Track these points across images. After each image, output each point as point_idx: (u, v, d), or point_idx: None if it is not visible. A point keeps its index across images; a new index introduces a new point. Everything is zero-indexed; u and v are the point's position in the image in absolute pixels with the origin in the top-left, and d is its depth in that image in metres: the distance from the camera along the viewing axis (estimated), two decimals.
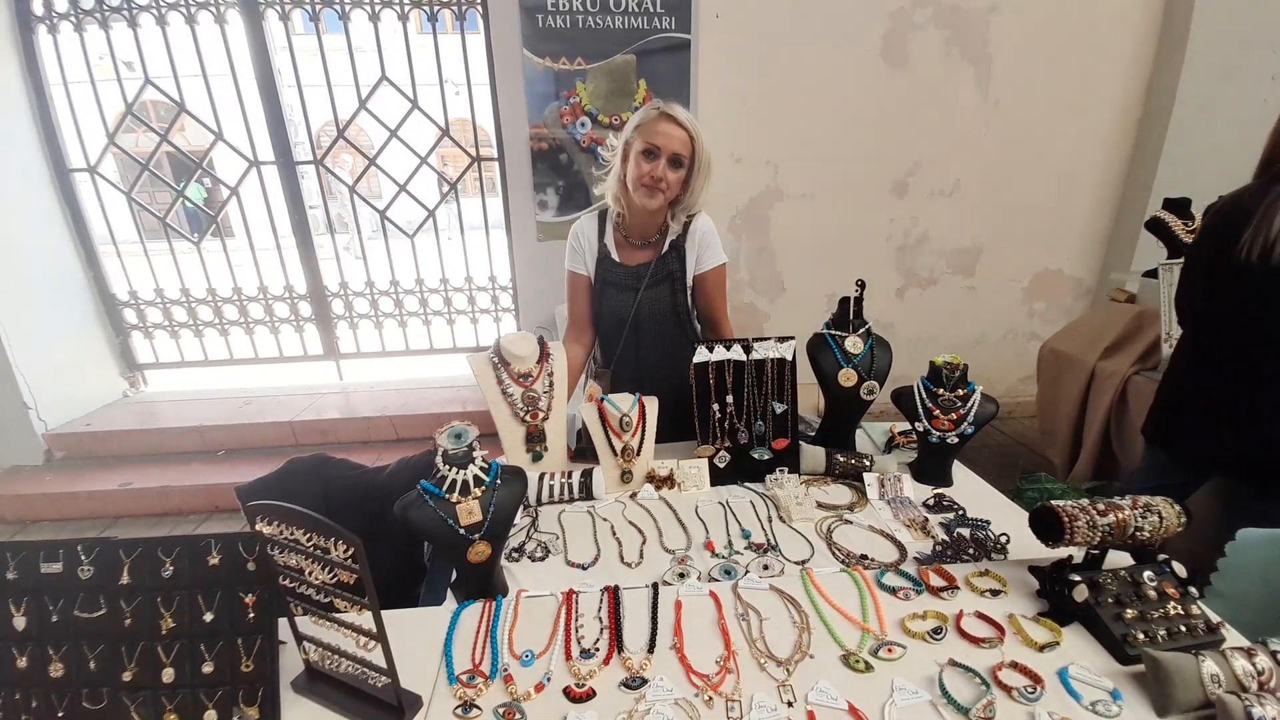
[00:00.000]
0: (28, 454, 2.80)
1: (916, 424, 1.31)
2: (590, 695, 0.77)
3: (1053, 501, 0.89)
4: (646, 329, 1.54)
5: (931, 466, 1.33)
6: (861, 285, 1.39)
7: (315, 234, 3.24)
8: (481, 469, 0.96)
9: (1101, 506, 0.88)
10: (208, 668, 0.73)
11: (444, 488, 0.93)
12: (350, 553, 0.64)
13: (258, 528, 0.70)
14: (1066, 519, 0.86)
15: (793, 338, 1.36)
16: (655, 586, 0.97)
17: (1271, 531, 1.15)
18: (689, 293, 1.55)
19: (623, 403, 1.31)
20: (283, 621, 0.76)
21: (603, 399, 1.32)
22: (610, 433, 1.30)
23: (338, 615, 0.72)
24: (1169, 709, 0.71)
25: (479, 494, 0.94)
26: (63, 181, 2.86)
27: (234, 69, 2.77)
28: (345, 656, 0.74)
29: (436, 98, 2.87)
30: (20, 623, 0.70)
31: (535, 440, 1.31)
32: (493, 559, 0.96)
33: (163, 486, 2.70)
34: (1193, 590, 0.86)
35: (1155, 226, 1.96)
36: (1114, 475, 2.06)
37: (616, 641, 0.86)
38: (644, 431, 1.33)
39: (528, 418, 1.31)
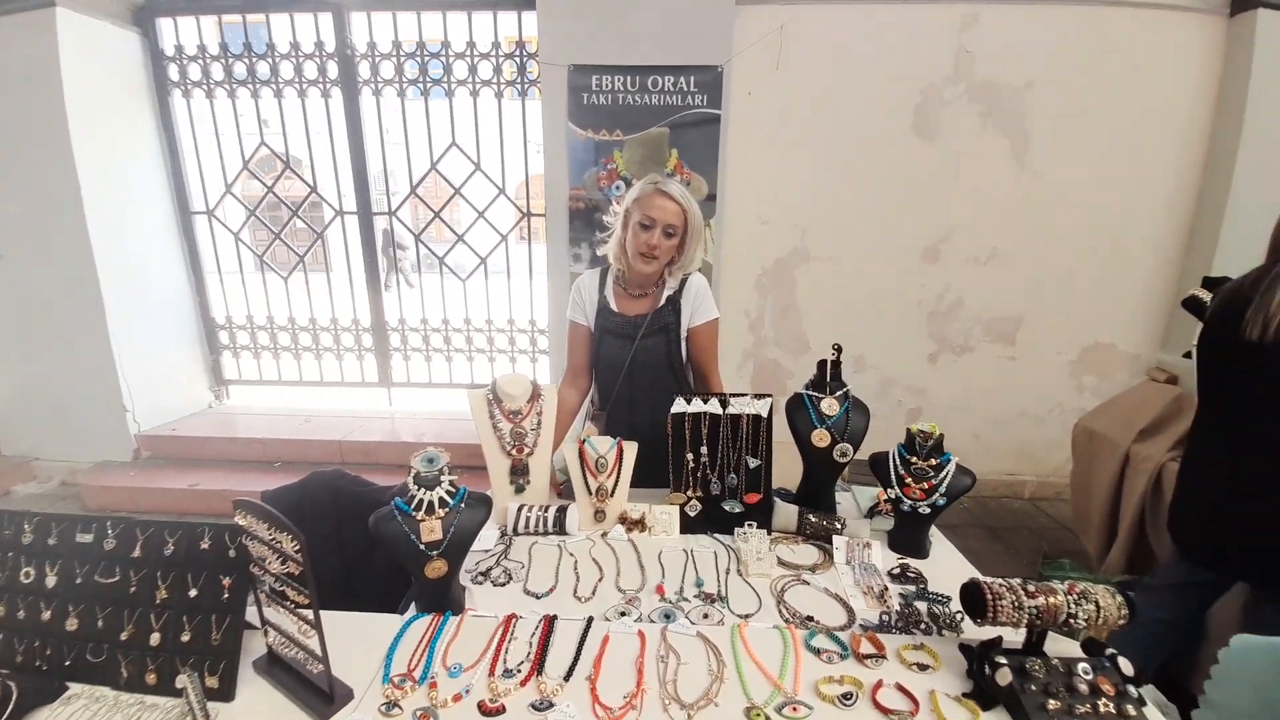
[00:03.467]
0: (119, 451, 3.21)
1: (889, 490, 1.31)
2: (500, 711, 0.83)
3: (980, 577, 0.89)
4: (641, 375, 1.63)
5: (905, 536, 1.31)
6: (838, 350, 1.43)
7: (383, 273, 3.62)
8: (449, 492, 1.07)
9: (1032, 588, 0.86)
10: (186, 636, 0.86)
11: (412, 505, 1.04)
12: (297, 547, 0.76)
13: (236, 519, 0.83)
14: (990, 596, 0.85)
15: (770, 395, 1.41)
16: (589, 620, 1.02)
17: (1267, 639, 1.04)
18: (683, 344, 1.64)
19: (601, 445, 1.40)
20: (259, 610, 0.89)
21: (584, 440, 1.42)
22: (587, 472, 1.39)
23: (291, 604, 0.84)
24: None
25: (443, 515, 1.05)
26: (185, 221, 3.39)
27: (331, 134, 3.24)
28: (293, 641, 0.85)
29: (498, 159, 3.20)
30: (51, 581, 0.87)
31: (519, 474, 1.42)
32: (449, 576, 1.06)
33: (223, 489, 3.00)
34: (1131, 689, 0.82)
35: (1192, 305, 1.86)
36: (1148, 569, 1.89)
37: (539, 666, 0.92)
38: (619, 474, 1.40)
39: (513, 451, 1.42)
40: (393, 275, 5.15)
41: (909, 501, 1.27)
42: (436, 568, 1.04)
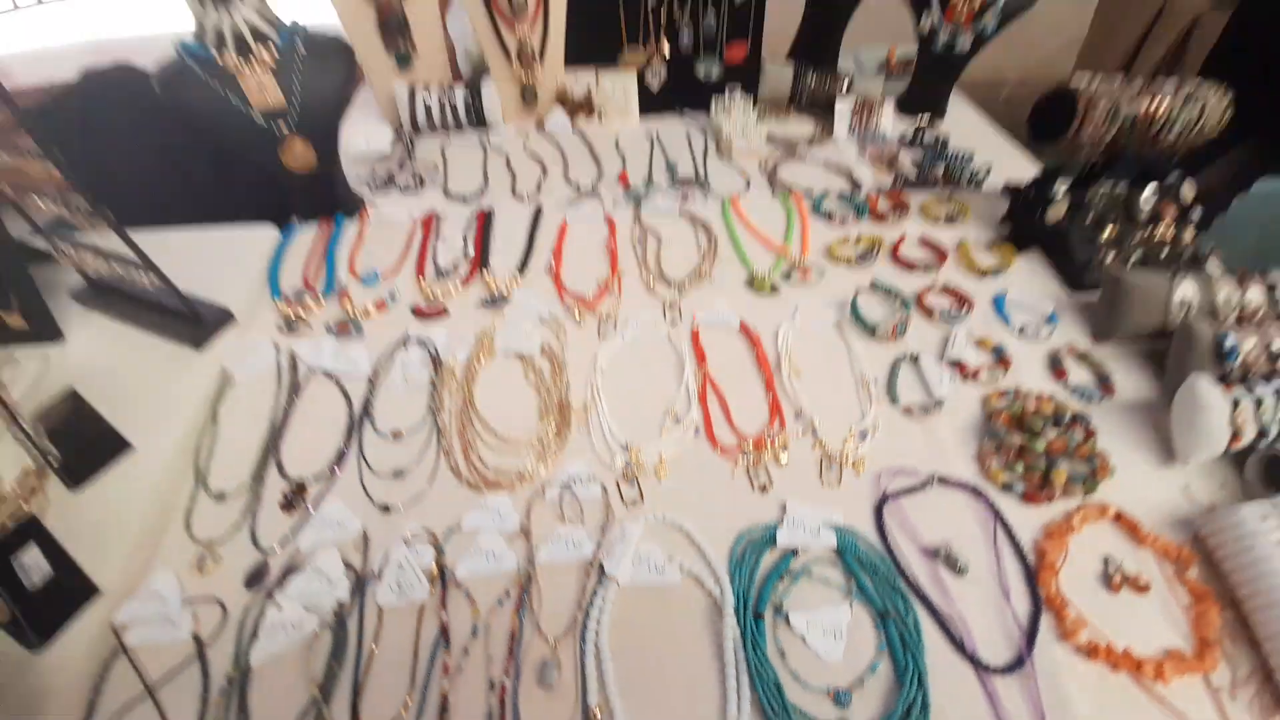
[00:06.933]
0: None
1: (926, 17, 0.95)
2: (442, 313, 0.65)
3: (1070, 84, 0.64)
4: None
5: (925, 89, 1.03)
6: None
7: None
8: (261, 21, 0.65)
9: (1138, 86, 0.63)
10: None
11: (210, 41, 0.63)
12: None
13: None
14: (1083, 102, 0.63)
15: None
16: (539, 209, 0.78)
17: None
18: None
19: None
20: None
21: None
22: (500, 21, 0.94)
23: (84, 212, 0.53)
24: (1112, 331, 0.60)
25: (271, 62, 0.66)
26: None
27: None
28: (108, 258, 0.58)
29: None
30: None
31: (395, 31, 0.95)
32: (323, 166, 0.74)
33: None
34: (1193, 215, 0.69)
35: None
36: None
37: (481, 262, 0.71)
38: (546, 21, 0.96)
39: None
40: None
41: (948, 30, 0.93)
42: (298, 153, 0.71)
